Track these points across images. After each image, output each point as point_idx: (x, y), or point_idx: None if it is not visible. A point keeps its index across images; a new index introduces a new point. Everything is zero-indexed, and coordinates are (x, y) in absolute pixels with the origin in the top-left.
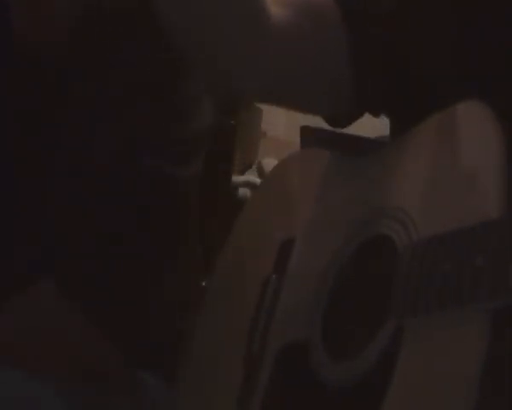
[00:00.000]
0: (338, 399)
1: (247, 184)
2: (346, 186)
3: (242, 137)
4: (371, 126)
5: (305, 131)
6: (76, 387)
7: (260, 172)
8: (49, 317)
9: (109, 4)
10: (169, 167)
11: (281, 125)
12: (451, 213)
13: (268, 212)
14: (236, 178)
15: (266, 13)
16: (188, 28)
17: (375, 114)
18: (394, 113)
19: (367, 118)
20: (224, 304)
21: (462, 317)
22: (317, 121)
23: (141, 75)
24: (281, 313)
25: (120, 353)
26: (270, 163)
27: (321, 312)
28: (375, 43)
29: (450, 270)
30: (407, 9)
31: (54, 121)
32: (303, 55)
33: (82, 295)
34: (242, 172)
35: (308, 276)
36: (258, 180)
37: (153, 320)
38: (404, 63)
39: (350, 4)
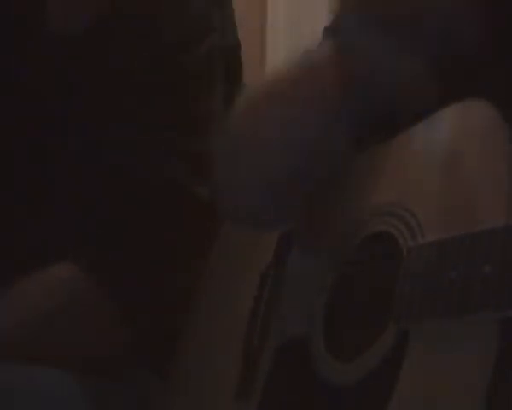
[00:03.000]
0: (340, 398)
1: None
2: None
3: None
4: None
5: None
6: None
7: None
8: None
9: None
10: (183, 180)
11: None
12: (459, 217)
13: None
14: None
15: None
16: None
17: None
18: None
19: None
20: (220, 296)
21: (469, 325)
22: None
23: (160, 79)
24: (280, 307)
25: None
26: None
27: (321, 309)
28: None
29: (458, 276)
30: None
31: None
32: None
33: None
34: None
35: (308, 270)
36: None
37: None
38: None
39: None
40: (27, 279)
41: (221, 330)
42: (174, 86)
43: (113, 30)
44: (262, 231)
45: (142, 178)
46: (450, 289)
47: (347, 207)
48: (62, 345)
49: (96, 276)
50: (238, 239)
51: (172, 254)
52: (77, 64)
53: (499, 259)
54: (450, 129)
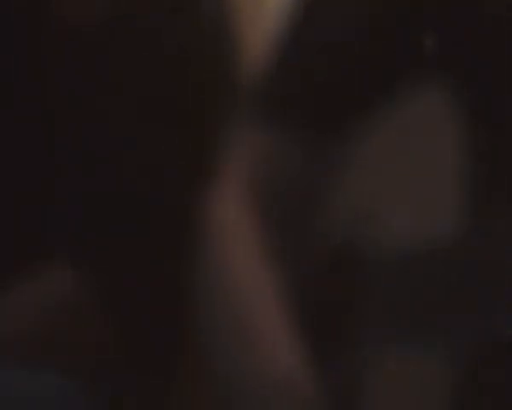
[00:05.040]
0: None
1: None
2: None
3: None
4: None
5: None
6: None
7: None
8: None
9: None
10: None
11: None
12: (415, 225)
13: None
14: None
15: None
16: None
17: None
18: None
19: None
20: None
21: (424, 350)
22: None
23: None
24: None
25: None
26: None
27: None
28: None
29: (412, 297)
30: None
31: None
32: None
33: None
34: None
35: None
36: None
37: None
38: None
39: None
40: (27, 284)
41: None
42: (185, 97)
43: (124, 29)
44: None
45: (143, 180)
46: (405, 311)
47: (331, 205)
48: (61, 350)
49: (95, 280)
50: None
51: (173, 257)
52: (86, 59)
53: (443, 277)
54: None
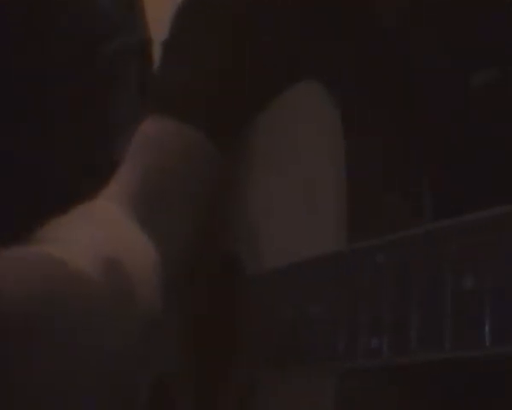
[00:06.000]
0: None
1: None
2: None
3: None
4: None
5: None
6: None
7: None
8: None
9: None
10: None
11: None
12: (293, 237)
13: None
14: None
15: None
16: None
17: None
18: None
19: None
20: None
21: (306, 376)
22: None
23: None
24: None
25: None
26: None
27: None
28: None
29: (290, 317)
30: None
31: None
32: None
33: None
34: None
35: None
36: None
37: None
38: None
39: None
40: None
41: None
42: (76, 89)
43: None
44: None
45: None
46: (282, 333)
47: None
48: None
49: None
50: None
51: None
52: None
53: (324, 297)
54: (287, 121)
